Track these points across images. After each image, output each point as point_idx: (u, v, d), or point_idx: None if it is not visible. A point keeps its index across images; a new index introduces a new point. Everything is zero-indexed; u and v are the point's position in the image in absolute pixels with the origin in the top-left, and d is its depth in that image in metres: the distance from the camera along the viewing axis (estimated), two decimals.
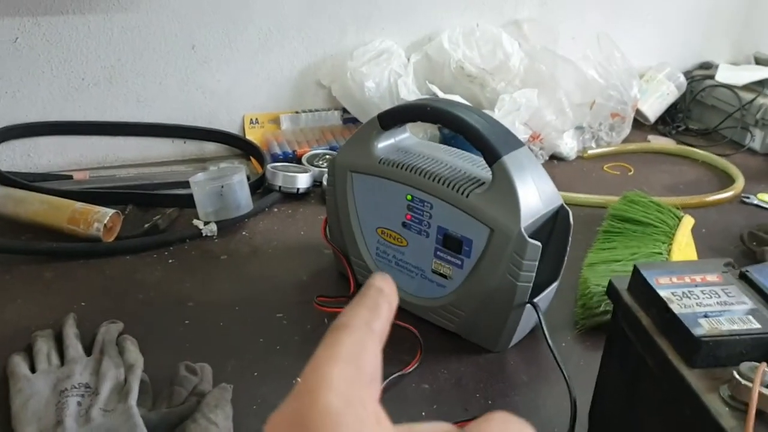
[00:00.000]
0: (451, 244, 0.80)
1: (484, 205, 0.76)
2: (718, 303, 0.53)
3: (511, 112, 1.14)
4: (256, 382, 0.74)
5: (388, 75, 1.24)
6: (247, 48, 1.22)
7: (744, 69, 1.53)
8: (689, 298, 0.53)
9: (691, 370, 0.49)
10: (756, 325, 0.51)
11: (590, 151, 1.35)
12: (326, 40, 1.26)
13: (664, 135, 1.48)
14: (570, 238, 0.81)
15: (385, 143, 0.85)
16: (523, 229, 0.73)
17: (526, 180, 0.76)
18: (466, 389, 0.76)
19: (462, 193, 0.77)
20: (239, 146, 1.24)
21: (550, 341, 0.73)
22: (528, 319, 0.80)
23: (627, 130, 1.41)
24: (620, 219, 1.05)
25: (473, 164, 0.82)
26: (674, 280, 0.56)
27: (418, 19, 1.31)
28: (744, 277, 0.57)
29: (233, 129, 1.27)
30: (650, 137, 1.46)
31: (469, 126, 0.77)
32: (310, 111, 1.30)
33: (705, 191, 1.23)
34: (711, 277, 0.56)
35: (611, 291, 0.59)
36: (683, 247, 0.97)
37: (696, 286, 0.55)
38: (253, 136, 1.26)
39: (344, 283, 0.90)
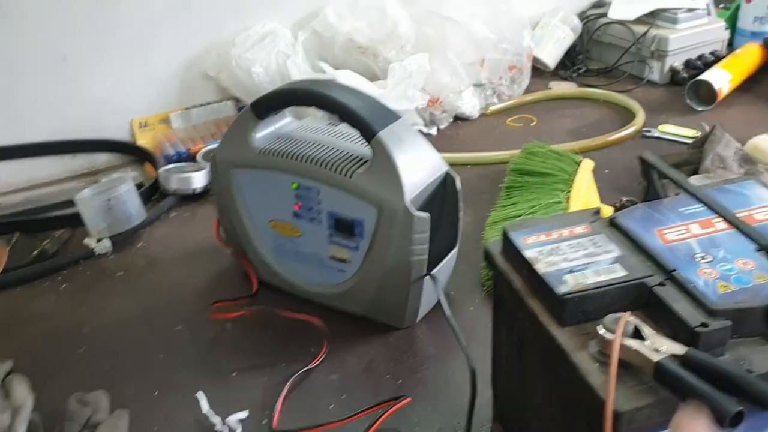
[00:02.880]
0: (344, 227, 0.78)
1: (368, 183, 0.74)
2: (584, 255, 0.52)
3: (403, 80, 1.11)
4: (157, 402, 0.71)
5: (276, 57, 1.20)
6: (122, 50, 1.17)
7: (636, 2, 1.53)
8: (556, 254, 0.52)
9: (562, 329, 0.48)
10: (622, 273, 0.50)
11: (492, 107, 1.34)
12: (205, 30, 1.22)
13: (566, 79, 1.48)
14: (461, 204, 0.80)
15: (263, 132, 0.82)
16: (408, 203, 0.72)
17: (405, 152, 0.74)
18: (376, 372, 0.75)
19: (345, 175, 0.75)
20: (130, 152, 1.19)
21: (447, 312, 0.72)
22: (433, 290, 0.79)
23: (526, 80, 1.40)
24: (521, 173, 1.04)
25: (356, 143, 0.79)
26: (542, 237, 0.55)
27: None
28: (614, 224, 0.57)
29: (123, 136, 1.21)
30: (552, 84, 1.46)
31: (341, 105, 0.75)
32: (201, 105, 1.25)
33: (608, 131, 1.24)
34: (579, 229, 0.56)
35: (487, 256, 0.58)
36: (584, 192, 0.98)
37: (563, 240, 0.54)
38: (144, 139, 1.21)
39: (247, 283, 0.88)
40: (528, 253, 0.53)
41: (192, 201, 1.08)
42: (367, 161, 0.75)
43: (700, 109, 1.31)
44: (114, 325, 0.82)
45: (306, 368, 0.74)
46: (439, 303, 0.83)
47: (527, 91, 1.42)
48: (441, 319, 0.80)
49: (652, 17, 1.46)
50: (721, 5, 1.65)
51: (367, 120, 0.73)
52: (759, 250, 0.51)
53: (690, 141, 1.17)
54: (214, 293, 0.86)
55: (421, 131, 1.25)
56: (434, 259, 0.78)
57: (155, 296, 0.88)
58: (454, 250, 0.82)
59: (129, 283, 0.90)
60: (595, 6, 1.61)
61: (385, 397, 0.68)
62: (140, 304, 0.86)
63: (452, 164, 1.13)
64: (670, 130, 1.23)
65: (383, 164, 0.73)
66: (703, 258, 0.51)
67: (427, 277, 0.77)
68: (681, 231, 0.54)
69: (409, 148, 0.74)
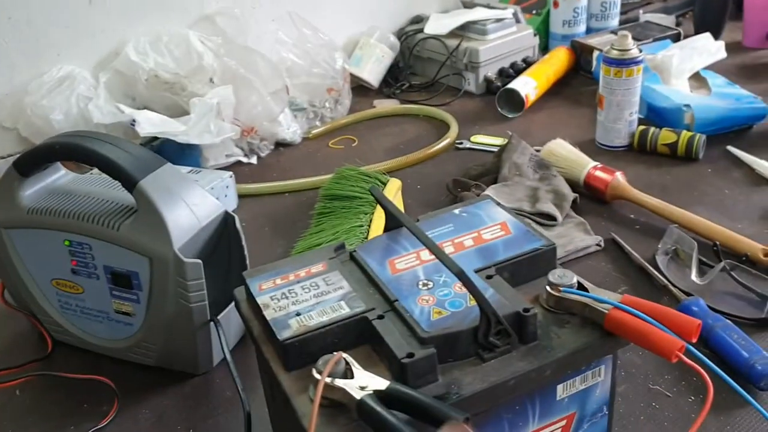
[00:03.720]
0: (121, 280, 0.76)
1: (135, 234, 0.72)
2: (315, 296, 0.53)
3: (205, 114, 1.10)
4: None
5: (77, 101, 1.16)
6: None
7: (450, 16, 1.58)
8: (287, 298, 0.53)
9: (288, 374, 0.49)
10: (345, 310, 0.51)
11: (314, 131, 1.35)
12: None
13: (389, 96, 1.51)
14: (244, 243, 0.79)
15: (33, 189, 0.79)
16: (177, 251, 0.71)
17: (172, 199, 0.73)
18: (168, 424, 0.73)
19: (113, 228, 0.73)
20: None
21: (228, 357, 0.72)
22: (228, 330, 0.78)
23: (347, 101, 1.42)
24: (330, 198, 1.05)
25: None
26: (277, 281, 0.55)
27: (96, 36, 1.22)
28: (353, 258, 0.58)
29: None
30: (375, 102, 1.49)
31: (100, 156, 0.72)
32: (3, 158, 1.19)
33: (425, 145, 1.27)
34: (316, 268, 0.57)
35: (236, 303, 0.58)
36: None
37: (298, 282, 0.55)
38: None
39: (43, 343, 0.84)
40: (261, 300, 0.53)
41: None
42: (135, 211, 0.73)
43: (511, 116, 1.37)
44: None
45: (95, 428, 0.72)
46: (240, 342, 0.83)
47: (352, 110, 1.44)
48: (241, 361, 0.80)
49: (463, 30, 1.52)
50: (534, 11, 1.74)
51: (126, 169, 0.71)
52: (478, 271, 0.54)
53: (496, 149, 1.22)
54: (7, 359, 0.82)
55: (240, 161, 1.25)
56: (222, 303, 0.77)
57: None
58: None
59: None
60: (413, 22, 1.65)
61: None
62: None
63: (268, 194, 1.16)
64: (481, 140, 1.28)
65: (148, 214, 0.71)
66: (425, 285, 0.53)
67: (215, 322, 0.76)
68: (411, 259, 0.56)
69: (177, 195, 0.73)
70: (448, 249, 0.57)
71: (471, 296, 0.51)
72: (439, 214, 0.62)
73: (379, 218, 0.97)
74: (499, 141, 1.25)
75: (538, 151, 1.13)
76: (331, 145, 1.33)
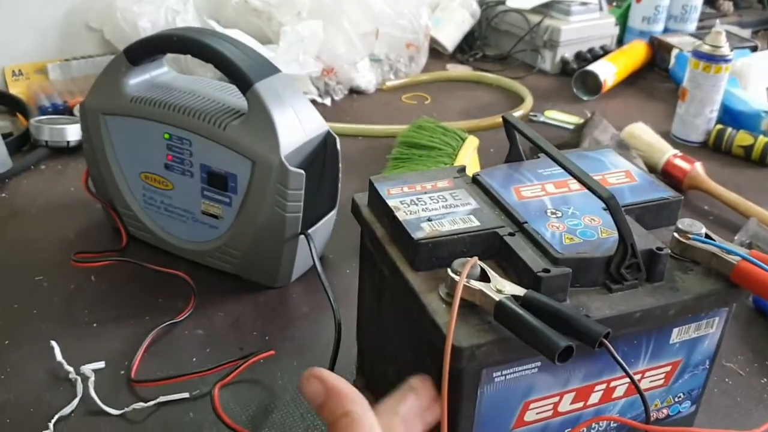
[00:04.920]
0: (216, 181, 0.76)
1: (242, 136, 0.72)
2: (443, 207, 0.53)
3: (294, 45, 1.10)
4: (6, 351, 0.67)
5: (165, 13, 1.15)
6: None
7: None
8: (416, 204, 0.53)
9: (416, 273, 0.49)
10: (476, 223, 0.51)
11: (389, 83, 1.35)
12: None
13: (462, 63, 1.51)
14: (340, 165, 0.79)
15: (137, 80, 0.79)
16: (283, 158, 0.71)
17: (283, 107, 0.73)
18: (242, 329, 0.73)
19: (219, 126, 0.73)
20: None
21: (319, 268, 0.72)
22: (308, 250, 0.78)
23: (423, 59, 1.42)
24: (408, 145, 1.05)
25: (234, 96, 0.77)
26: (405, 189, 0.55)
27: None
28: (476, 181, 0.58)
29: None
30: (449, 66, 1.48)
31: (218, 53, 0.72)
32: (83, 58, 1.19)
33: (497, 113, 1.27)
34: (442, 184, 0.57)
35: (354, 208, 0.58)
36: (466, 165, 1.00)
37: (426, 193, 0.55)
38: (17, 89, 1.14)
39: (117, 237, 0.84)
40: (391, 202, 0.53)
41: (65, 154, 1.02)
42: (243, 114, 0.74)
43: (585, 98, 1.37)
44: None
45: (170, 321, 0.72)
46: (314, 264, 0.83)
47: (424, 70, 1.44)
48: (316, 281, 0.79)
49: (547, 8, 1.51)
50: (614, 3, 1.73)
51: (244, 70, 0.71)
52: (605, 209, 0.54)
53: (572, 127, 1.21)
54: (80, 246, 0.82)
55: (314, 101, 1.25)
56: (311, 219, 0.77)
57: (15, 247, 0.83)
58: (333, 212, 0.82)
59: None
60: None
61: (252, 351, 0.67)
62: None
63: (343, 135, 1.15)
64: (555, 116, 1.27)
65: (259, 117, 0.71)
66: (553, 213, 0.53)
67: (302, 237, 0.76)
68: (536, 189, 0.56)
69: (288, 104, 0.73)
70: (574, 187, 0.56)
71: (603, 229, 0.51)
72: (551, 148, 0.61)
73: None
74: (574, 119, 1.25)
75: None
76: (404, 99, 1.32)
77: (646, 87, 1.45)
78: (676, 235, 0.53)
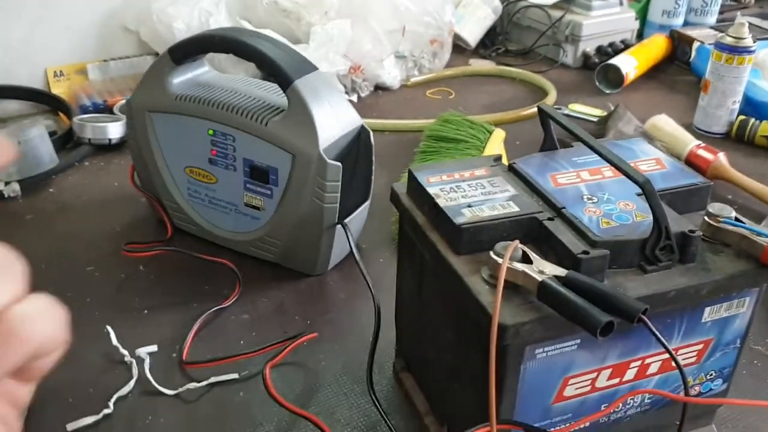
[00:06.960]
0: (258, 174, 0.79)
1: (283, 131, 0.76)
2: (482, 193, 0.56)
3: (324, 44, 1.13)
4: None
5: (199, 14, 1.19)
6: None
7: None
8: (456, 191, 0.56)
9: (458, 257, 0.52)
10: (515, 208, 0.54)
11: (413, 79, 1.38)
12: None
13: (485, 58, 1.53)
14: (374, 158, 0.82)
15: (181, 78, 0.83)
16: (322, 151, 0.74)
17: (321, 103, 0.76)
18: (286, 313, 0.77)
19: (261, 122, 0.76)
20: (41, 101, 1.16)
21: (356, 255, 0.75)
22: (345, 239, 0.81)
23: (447, 55, 1.44)
24: (435, 138, 1.08)
25: (273, 93, 0.81)
26: (444, 177, 0.58)
27: None
28: (512, 169, 0.61)
29: (36, 84, 1.18)
30: (471, 61, 1.51)
31: (259, 52, 0.76)
32: (120, 58, 1.23)
33: (522, 106, 1.29)
34: (479, 172, 0.59)
35: (393, 196, 0.61)
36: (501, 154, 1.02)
37: (464, 181, 0.58)
38: (59, 90, 1.18)
39: (162, 229, 0.88)
40: (431, 190, 0.56)
41: (107, 151, 1.06)
42: (282, 111, 0.77)
43: (608, 91, 1.39)
44: None
45: (218, 307, 0.76)
46: (350, 253, 0.86)
47: (447, 66, 1.46)
48: (351, 269, 0.83)
49: (568, 3, 1.53)
50: None
51: (284, 68, 0.75)
52: (639, 194, 0.56)
53: (596, 119, 1.23)
54: (127, 238, 0.86)
55: None
56: (346, 210, 0.80)
57: (65, 239, 0.87)
58: (367, 203, 0.85)
59: (38, 226, 0.89)
60: None
61: (297, 334, 0.70)
62: (49, 246, 0.85)
63: (372, 130, 1.18)
64: (578, 108, 1.29)
65: (299, 113, 0.75)
66: (589, 199, 0.56)
67: (339, 226, 0.79)
68: (572, 176, 0.59)
69: (325, 100, 0.76)
70: (607, 174, 0.59)
71: (637, 213, 0.54)
72: (588, 136, 0.64)
73: None
74: (597, 112, 1.27)
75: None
76: (428, 94, 1.35)
77: (667, 80, 1.47)
78: (706, 218, 0.55)
